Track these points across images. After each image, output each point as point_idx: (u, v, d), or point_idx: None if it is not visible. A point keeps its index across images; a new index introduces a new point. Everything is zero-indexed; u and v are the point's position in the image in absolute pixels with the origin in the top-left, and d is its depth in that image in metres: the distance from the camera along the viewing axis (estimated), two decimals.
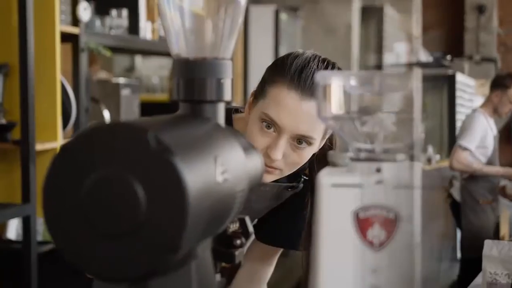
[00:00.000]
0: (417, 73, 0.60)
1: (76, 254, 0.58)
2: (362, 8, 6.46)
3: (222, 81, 0.73)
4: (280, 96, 1.22)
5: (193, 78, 0.72)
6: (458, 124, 7.18)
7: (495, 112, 4.36)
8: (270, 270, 1.56)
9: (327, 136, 1.31)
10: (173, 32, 0.74)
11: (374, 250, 0.62)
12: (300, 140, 1.23)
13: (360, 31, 6.40)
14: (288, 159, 1.25)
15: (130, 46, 3.44)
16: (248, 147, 0.78)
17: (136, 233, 0.56)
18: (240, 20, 0.75)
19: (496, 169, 4.40)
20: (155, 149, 0.55)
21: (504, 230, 4.65)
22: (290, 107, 1.21)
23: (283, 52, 7.10)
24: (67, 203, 0.57)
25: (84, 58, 2.74)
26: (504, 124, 9.49)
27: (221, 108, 0.74)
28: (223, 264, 0.76)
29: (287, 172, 1.28)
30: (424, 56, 6.20)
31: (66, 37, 2.67)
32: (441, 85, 6.96)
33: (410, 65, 6.01)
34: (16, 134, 2.47)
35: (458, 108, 7.06)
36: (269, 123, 1.23)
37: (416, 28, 8.57)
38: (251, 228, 0.80)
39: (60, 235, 0.58)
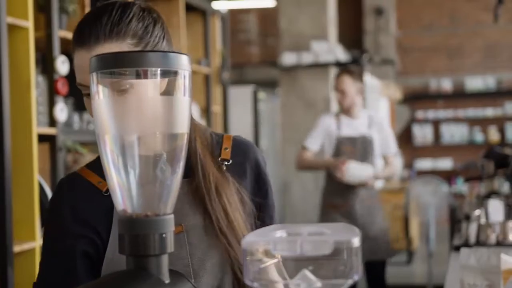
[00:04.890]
0: None
1: None
2: None
3: (164, 235, 0.79)
4: (75, 61, 1.19)
5: (137, 234, 0.79)
6: None
7: (346, 111, 4.25)
8: None
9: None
10: (118, 190, 0.81)
11: None
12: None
13: None
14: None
15: None
16: None
17: None
18: (179, 178, 0.82)
19: (322, 160, 4.32)
20: None
21: None
22: (84, 65, 1.15)
23: (263, 129, 7.28)
24: None
25: (61, 157, 2.80)
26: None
27: (164, 260, 0.80)
28: None
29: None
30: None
31: (44, 138, 2.74)
32: None
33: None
34: None
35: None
36: (85, 89, 1.17)
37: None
38: None
39: None
